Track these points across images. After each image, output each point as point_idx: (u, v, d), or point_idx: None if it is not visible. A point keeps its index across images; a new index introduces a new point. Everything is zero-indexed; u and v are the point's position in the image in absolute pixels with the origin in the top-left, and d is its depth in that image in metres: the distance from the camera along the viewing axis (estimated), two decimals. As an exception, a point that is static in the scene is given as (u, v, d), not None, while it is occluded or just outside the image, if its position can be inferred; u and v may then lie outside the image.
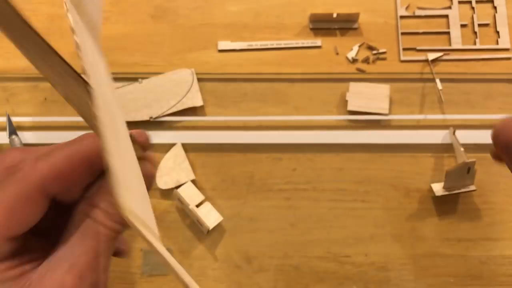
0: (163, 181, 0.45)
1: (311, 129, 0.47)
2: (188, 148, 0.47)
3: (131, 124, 0.47)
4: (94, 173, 0.24)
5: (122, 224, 0.23)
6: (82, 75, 0.20)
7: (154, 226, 0.22)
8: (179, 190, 0.44)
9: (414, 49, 0.49)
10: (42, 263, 0.22)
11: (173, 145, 0.47)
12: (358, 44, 0.49)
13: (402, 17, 0.50)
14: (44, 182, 0.22)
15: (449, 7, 0.50)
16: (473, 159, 0.42)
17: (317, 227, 0.45)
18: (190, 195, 0.44)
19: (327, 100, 0.48)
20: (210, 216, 0.44)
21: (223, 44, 0.50)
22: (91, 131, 0.23)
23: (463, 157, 0.43)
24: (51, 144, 0.48)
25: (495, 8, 0.50)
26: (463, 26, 0.50)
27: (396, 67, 0.49)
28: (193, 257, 0.45)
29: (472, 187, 0.44)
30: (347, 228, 0.45)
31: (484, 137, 0.46)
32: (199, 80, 0.48)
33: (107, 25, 0.51)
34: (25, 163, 0.22)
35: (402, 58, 0.49)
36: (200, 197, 0.44)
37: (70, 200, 0.24)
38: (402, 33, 0.50)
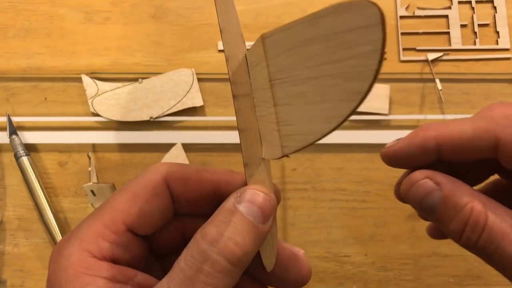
0: (163, 181, 0.45)
1: (311, 129, 0.47)
2: (188, 148, 0.47)
3: (131, 124, 0.47)
4: (212, 202, 0.24)
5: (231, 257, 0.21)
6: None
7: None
8: (179, 190, 0.44)
9: (414, 49, 0.49)
10: None
11: (173, 145, 0.47)
12: (358, 44, 0.49)
13: (402, 17, 0.50)
14: (168, 175, 0.23)
15: (449, 7, 0.50)
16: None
17: (317, 227, 0.45)
18: (190, 195, 0.44)
19: (327, 100, 0.48)
20: (210, 216, 0.44)
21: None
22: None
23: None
24: (52, 144, 0.49)
25: (495, 8, 0.50)
26: (463, 26, 0.50)
27: (396, 67, 0.49)
28: (193, 257, 0.45)
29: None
30: (347, 228, 0.45)
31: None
32: (199, 80, 0.48)
33: (107, 25, 0.51)
34: (153, 165, 0.23)
35: (402, 58, 0.49)
36: (200, 197, 0.44)
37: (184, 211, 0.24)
38: (402, 33, 0.50)
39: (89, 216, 0.23)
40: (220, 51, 0.50)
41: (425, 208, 0.23)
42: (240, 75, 0.21)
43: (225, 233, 0.20)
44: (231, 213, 0.21)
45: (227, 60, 0.21)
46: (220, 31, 0.21)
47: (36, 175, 0.45)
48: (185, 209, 0.24)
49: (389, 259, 0.44)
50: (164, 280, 0.20)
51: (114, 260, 0.21)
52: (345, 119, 0.17)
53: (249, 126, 0.22)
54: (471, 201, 0.22)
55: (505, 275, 0.22)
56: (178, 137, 0.47)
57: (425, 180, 0.23)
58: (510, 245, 0.21)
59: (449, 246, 0.44)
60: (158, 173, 0.23)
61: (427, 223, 0.45)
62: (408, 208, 0.45)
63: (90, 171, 0.45)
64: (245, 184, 0.23)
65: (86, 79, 0.48)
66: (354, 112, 0.17)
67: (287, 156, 0.20)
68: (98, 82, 0.48)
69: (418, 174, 0.24)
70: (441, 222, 0.23)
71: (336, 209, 0.46)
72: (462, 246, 0.23)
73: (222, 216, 0.21)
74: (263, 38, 0.19)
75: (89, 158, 0.46)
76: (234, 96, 0.21)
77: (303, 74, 0.18)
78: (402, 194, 0.24)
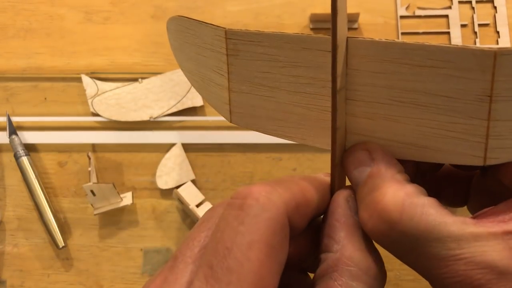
0: (163, 181, 0.45)
1: (311, 129, 0.47)
2: (188, 148, 0.47)
3: (131, 124, 0.47)
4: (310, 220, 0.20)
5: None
6: None
7: None
8: (179, 190, 0.44)
9: (414, 49, 0.49)
10: None
11: (173, 145, 0.47)
12: (358, 44, 0.49)
13: (402, 17, 0.50)
14: (287, 208, 0.18)
15: (449, 7, 0.50)
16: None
17: (317, 227, 0.45)
18: (190, 195, 0.44)
19: (327, 100, 0.48)
20: (210, 216, 0.44)
21: (223, 44, 0.50)
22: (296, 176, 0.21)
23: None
24: (51, 144, 0.48)
25: (495, 8, 0.50)
26: (463, 26, 0.50)
27: (396, 67, 0.49)
28: (193, 257, 0.44)
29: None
30: (347, 228, 0.45)
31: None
32: (199, 80, 0.48)
33: (107, 25, 0.51)
34: (257, 192, 0.18)
35: (402, 58, 0.49)
36: (200, 197, 0.44)
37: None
38: (402, 33, 0.50)
39: (221, 283, 0.16)
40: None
41: (351, 181, 0.21)
42: (342, 66, 0.20)
43: (379, 261, 0.19)
44: (361, 230, 0.19)
45: (336, 48, 0.19)
46: (335, 13, 0.18)
47: (36, 175, 0.45)
48: (293, 233, 0.20)
49: (389, 259, 0.44)
50: None
51: None
52: None
53: (342, 124, 0.21)
54: (391, 186, 0.19)
55: (426, 278, 0.19)
56: (178, 137, 0.47)
57: (362, 151, 0.21)
58: (432, 244, 0.18)
59: (449, 246, 0.44)
60: (279, 209, 0.17)
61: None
62: (408, 208, 0.45)
63: (90, 171, 0.44)
64: (328, 185, 0.21)
65: (86, 79, 0.48)
66: None
67: (483, 166, 0.19)
68: (98, 82, 0.48)
69: (360, 144, 0.21)
70: (358, 202, 0.20)
71: (336, 209, 0.45)
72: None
73: (359, 239, 0.19)
74: (497, 54, 0.18)
75: (89, 158, 0.46)
76: (337, 91, 0.19)
77: None
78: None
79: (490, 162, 0.19)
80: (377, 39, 0.20)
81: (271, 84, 0.23)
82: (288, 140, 0.24)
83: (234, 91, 0.25)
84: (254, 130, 0.25)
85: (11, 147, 0.46)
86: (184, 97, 0.48)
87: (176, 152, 0.46)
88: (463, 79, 0.18)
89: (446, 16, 0.50)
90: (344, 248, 0.19)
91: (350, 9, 0.50)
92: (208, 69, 0.27)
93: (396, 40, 0.19)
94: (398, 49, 0.19)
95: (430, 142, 0.20)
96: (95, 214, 0.43)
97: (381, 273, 0.19)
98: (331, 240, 0.19)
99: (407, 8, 0.51)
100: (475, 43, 0.49)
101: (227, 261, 0.16)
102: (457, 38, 0.49)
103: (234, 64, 0.24)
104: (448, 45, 0.18)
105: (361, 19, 0.50)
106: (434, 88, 0.19)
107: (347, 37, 0.20)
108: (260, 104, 0.24)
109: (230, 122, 0.26)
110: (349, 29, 0.50)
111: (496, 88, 0.18)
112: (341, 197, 0.20)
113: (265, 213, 0.17)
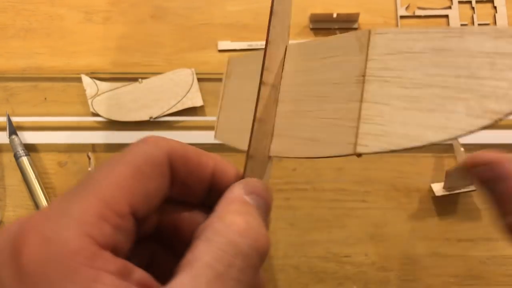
0: (163, 181, 0.45)
1: (311, 129, 0.47)
2: (188, 148, 0.47)
3: (131, 124, 0.47)
4: (204, 190, 0.22)
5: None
6: None
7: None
8: (179, 190, 0.44)
9: (414, 49, 0.49)
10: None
11: (173, 145, 0.47)
12: (358, 44, 0.49)
13: (402, 17, 0.50)
14: (172, 152, 0.20)
15: (449, 7, 0.50)
16: (473, 159, 0.42)
17: (317, 227, 0.45)
18: (190, 195, 0.44)
19: (327, 100, 0.48)
20: (210, 216, 0.44)
21: (223, 44, 0.50)
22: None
23: (463, 157, 0.43)
24: (51, 144, 0.48)
25: (495, 8, 0.50)
26: (463, 26, 0.50)
27: (396, 67, 0.49)
28: (193, 257, 0.44)
29: (472, 187, 0.44)
30: (347, 228, 0.45)
31: (484, 137, 0.46)
32: (199, 80, 0.48)
33: (107, 25, 0.51)
34: (148, 137, 0.20)
35: (402, 58, 0.49)
36: (200, 197, 0.44)
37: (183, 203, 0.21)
38: (402, 33, 0.50)
39: (78, 188, 0.18)
40: (220, 51, 0.50)
41: None
42: (275, 64, 0.21)
43: (253, 225, 0.18)
44: (245, 204, 0.20)
45: (268, 43, 0.21)
46: (271, 14, 0.20)
47: (36, 175, 0.45)
48: (177, 193, 0.21)
49: (389, 259, 0.44)
50: (186, 279, 0.16)
51: (114, 250, 0.17)
52: (466, 134, 0.16)
53: (267, 118, 0.22)
54: None
55: None
56: (178, 137, 0.47)
57: None
58: None
59: (449, 246, 0.44)
60: (161, 148, 0.20)
61: (427, 223, 0.45)
62: (408, 208, 0.45)
63: (90, 171, 0.44)
64: (240, 176, 0.22)
65: (86, 79, 0.48)
66: (481, 129, 0.16)
67: (359, 155, 0.18)
68: (98, 82, 0.48)
69: None
70: None
71: (336, 209, 0.45)
72: None
73: (238, 207, 0.19)
74: (371, 33, 0.18)
75: (89, 158, 0.46)
76: (262, 83, 0.21)
77: (417, 80, 0.17)
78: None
79: (361, 149, 0.18)
80: (302, 41, 0.21)
81: (242, 97, 0.25)
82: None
83: (222, 109, 0.28)
84: (230, 144, 0.27)
85: (11, 147, 0.46)
86: (184, 97, 0.48)
87: (176, 152, 0.47)
88: (347, 63, 0.19)
89: (446, 16, 0.50)
90: (217, 212, 0.19)
91: (350, 9, 0.50)
92: (222, 95, 0.30)
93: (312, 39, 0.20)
94: (312, 46, 0.20)
95: (323, 134, 0.20)
96: (95, 214, 0.43)
97: (251, 234, 0.18)
98: (214, 211, 0.20)
99: (407, 8, 0.51)
100: (475, 43, 0.49)
101: (95, 173, 0.18)
102: (457, 38, 0.49)
103: (226, 85, 0.27)
104: (340, 34, 0.19)
105: (361, 19, 0.50)
106: (329, 77, 0.19)
107: (287, 45, 0.21)
108: (232, 117, 0.26)
109: (214, 137, 0.29)
110: (349, 29, 0.50)
111: (370, 68, 0.18)
112: (240, 181, 0.21)
113: (145, 147, 0.19)
